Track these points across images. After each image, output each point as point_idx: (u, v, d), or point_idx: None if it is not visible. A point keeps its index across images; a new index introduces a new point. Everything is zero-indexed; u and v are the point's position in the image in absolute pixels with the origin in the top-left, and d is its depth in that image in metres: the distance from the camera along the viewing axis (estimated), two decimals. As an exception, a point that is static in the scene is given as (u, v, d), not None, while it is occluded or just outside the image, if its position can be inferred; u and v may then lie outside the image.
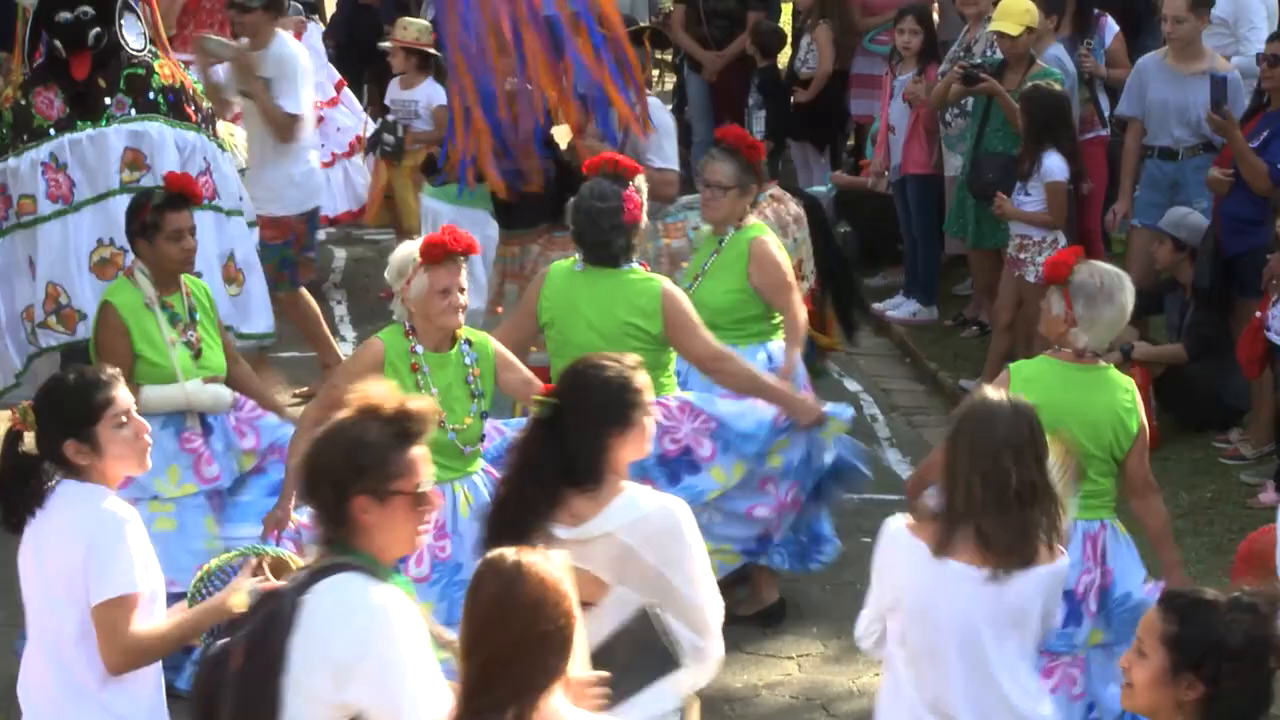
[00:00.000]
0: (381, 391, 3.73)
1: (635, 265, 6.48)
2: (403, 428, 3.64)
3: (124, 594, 4.35)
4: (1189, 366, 8.35)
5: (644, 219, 6.54)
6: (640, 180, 6.54)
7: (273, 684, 3.62)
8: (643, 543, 4.21)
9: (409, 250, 5.82)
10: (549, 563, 3.39)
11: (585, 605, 4.00)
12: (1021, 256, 8.63)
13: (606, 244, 6.28)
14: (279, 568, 4.35)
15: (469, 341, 5.92)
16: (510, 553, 3.39)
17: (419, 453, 3.65)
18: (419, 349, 5.88)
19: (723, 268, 6.90)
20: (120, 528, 4.39)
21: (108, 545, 4.37)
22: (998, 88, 8.84)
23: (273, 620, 3.68)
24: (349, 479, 3.61)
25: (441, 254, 5.69)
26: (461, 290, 5.78)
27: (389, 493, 3.61)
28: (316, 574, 3.65)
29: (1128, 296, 5.62)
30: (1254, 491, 7.79)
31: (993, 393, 4.52)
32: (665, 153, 8.39)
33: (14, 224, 7.74)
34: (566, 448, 4.42)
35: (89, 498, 4.43)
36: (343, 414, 3.65)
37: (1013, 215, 8.58)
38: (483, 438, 6.12)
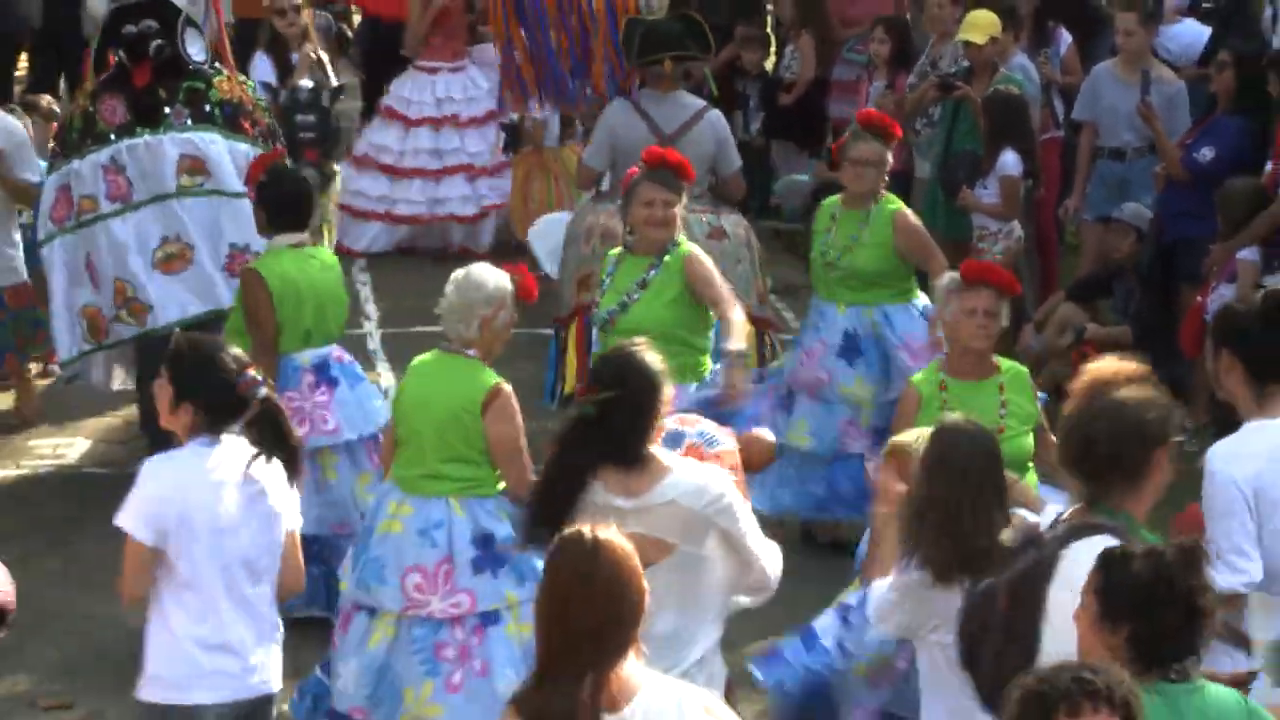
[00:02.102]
0: (1105, 365, 3.89)
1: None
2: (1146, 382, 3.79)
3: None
4: (1142, 343, 8.09)
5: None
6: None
7: (1033, 629, 3.73)
8: (706, 506, 4.41)
9: (499, 280, 5.75)
10: (620, 539, 3.41)
11: (647, 564, 4.10)
12: (981, 246, 8.78)
13: None
14: None
15: None
16: (587, 531, 3.43)
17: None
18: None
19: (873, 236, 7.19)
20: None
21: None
22: (970, 94, 9.01)
23: (1036, 568, 3.83)
24: (1156, 437, 3.73)
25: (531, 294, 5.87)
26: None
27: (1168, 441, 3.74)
28: (1077, 530, 3.75)
29: None
30: (1194, 459, 7.45)
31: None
32: (733, 158, 8.55)
33: (75, 224, 7.84)
34: (614, 431, 4.49)
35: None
36: (1079, 399, 3.77)
37: (973, 207, 8.78)
38: None
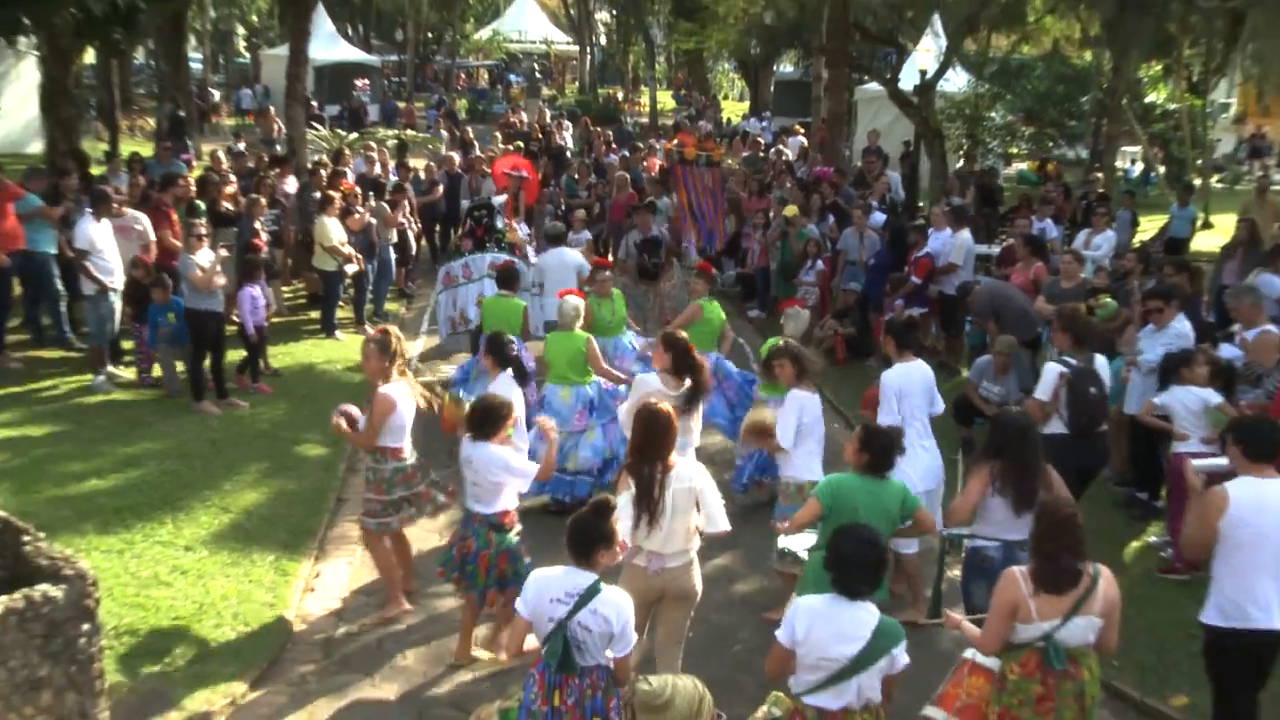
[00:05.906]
0: None
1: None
2: None
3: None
4: (857, 335, 14.74)
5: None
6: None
7: None
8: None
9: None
10: (667, 406, 5.35)
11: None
12: (803, 297, 14.81)
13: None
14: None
15: None
16: (652, 401, 5.25)
17: None
18: None
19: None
20: None
21: None
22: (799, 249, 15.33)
23: None
24: None
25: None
26: None
27: None
28: None
29: None
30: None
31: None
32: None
33: (452, 287, 12.86)
34: None
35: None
36: None
37: (799, 284, 15.37)
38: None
